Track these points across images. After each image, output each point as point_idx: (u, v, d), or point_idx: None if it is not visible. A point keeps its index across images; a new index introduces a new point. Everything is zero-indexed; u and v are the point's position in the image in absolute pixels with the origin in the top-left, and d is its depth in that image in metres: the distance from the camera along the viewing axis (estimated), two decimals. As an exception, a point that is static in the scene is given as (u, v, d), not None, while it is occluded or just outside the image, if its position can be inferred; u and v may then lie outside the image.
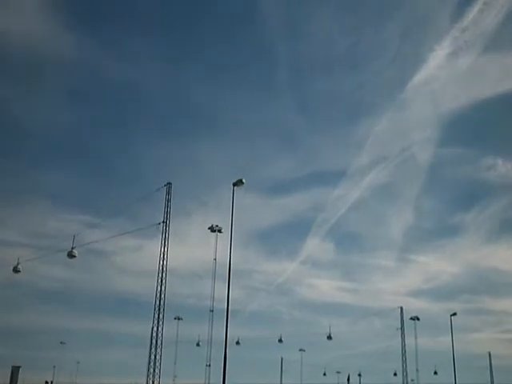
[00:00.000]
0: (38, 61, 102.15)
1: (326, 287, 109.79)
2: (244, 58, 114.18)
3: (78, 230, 49.63)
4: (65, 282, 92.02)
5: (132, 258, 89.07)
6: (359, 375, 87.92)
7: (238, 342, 71.10)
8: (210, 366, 46.72)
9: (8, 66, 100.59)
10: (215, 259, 42.99)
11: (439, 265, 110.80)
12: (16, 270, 41.19)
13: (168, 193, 40.34)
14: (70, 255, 37.80)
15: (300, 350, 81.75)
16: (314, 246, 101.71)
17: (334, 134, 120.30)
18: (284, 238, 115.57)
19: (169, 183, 41.14)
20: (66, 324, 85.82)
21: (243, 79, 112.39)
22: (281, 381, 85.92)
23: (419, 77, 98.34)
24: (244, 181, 26.17)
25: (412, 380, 68.04)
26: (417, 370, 66.25)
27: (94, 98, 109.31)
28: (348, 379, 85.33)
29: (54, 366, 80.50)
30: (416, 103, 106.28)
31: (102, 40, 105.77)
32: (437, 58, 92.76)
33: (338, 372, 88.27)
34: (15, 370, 65.27)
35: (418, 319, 67.33)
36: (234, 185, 26.18)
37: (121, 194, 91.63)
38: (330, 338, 64.54)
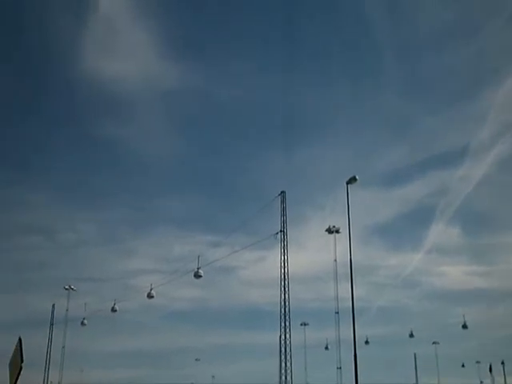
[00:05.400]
0: (147, 94, 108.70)
1: (455, 274, 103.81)
2: (344, 45, 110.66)
3: (203, 250, 51.95)
4: (195, 302, 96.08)
5: (255, 270, 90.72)
6: (502, 363, 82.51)
7: (367, 342, 69.70)
8: (340, 368, 46.22)
9: (118, 107, 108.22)
10: (335, 260, 42.70)
11: None
12: (150, 296, 43.83)
13: (283, 201, 40.82)
14: (197, 275, 39.41)
15: (433, 342, 78.20)
16: (439, 232, 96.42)
17: (451, 111, 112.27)
18: (406, 228, 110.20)
19: (282, 192, 41.57)
20: (199, 341, 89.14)
21: (345, 70, 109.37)
22: (416, 377, 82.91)
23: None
24: (357, 177, 25.84)
25: None
26: None
27: (202, 122, 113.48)
28: (490, 369, 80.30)
29: (192, 383, 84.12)
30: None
31: (205, 64, 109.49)
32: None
33: (478, 362, 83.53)
34: (159, 389, 69.32)
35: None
36: (348, 183, 25.86)
37: (240, 209, 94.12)
38: (465, 326, 61.39)
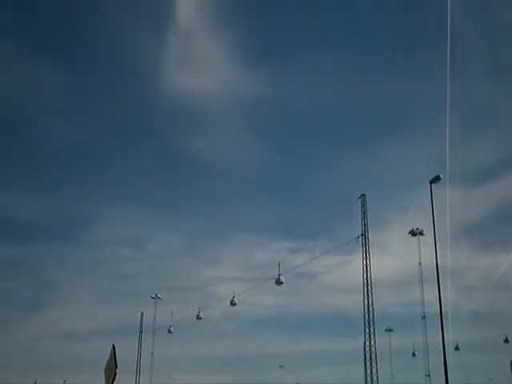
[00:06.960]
0: (225, 106, 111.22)
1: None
2: (420, 35, 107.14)
3: (283, 257, 51.86)
4: (277, 308, 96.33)
5: (337, 275, 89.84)
6: None
7: (457, 348, 66.66)
8: (429, 375, 44.62)
9: (198, 119, 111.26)
10: (420, 263, 41.45)
11: None
12: (233, 304, 44.45)
13: (363, 205, 40.29)
14: (278, 282, 39.44)
15: (531, 348, 73.89)
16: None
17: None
18: (496, 227, 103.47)
19: (363, 195, 41.13)
20: (282, 347, 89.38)
21: (421, 62, 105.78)
22: (513, 385, 78.19)
23: None
24: (441, 176, 24.94)
25: None
26: None
27: (280, 129, 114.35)
28: None
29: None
30: None
31: (282, 71, 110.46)
32: None
33: None
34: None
35: None
36: (431, 182, 25.04)
37: (320, 214, 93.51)
38: None
